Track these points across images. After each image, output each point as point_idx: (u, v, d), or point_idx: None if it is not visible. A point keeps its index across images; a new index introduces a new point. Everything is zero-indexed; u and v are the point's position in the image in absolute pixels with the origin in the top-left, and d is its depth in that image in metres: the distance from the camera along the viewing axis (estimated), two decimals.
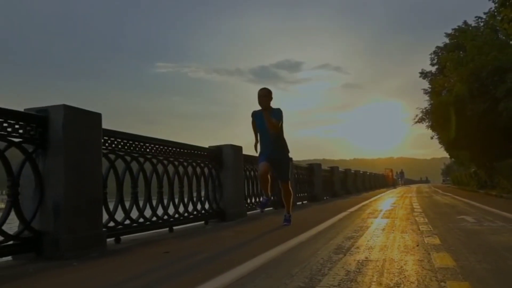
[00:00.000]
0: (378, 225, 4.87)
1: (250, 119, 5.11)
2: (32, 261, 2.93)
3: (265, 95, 4.82)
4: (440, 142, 21.69)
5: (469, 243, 3.39)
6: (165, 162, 4.68)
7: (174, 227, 4.72)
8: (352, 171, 19.69)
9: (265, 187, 5.08)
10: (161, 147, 4.61)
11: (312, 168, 11.95)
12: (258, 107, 4.99)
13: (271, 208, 8.24)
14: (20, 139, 2.91)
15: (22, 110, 3.06)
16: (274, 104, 4.95)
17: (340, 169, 16.26)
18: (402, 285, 2.04)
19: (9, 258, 2.96)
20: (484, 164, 17.03)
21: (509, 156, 13.91)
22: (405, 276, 2.23)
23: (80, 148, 3.18)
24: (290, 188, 5.24)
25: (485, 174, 17.45)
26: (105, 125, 3.56)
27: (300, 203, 10.31)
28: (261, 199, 5.18)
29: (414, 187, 31.30)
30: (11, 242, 2.81)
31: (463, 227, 4.48)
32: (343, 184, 16.66)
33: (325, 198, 12.63)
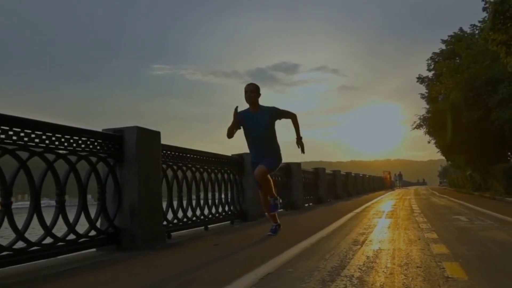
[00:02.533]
0: (383, 224, 5.63)
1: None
2: (112, 252, 3.67)
3: (252, 90, 4.52)
4: (437, 147, 22.47)
5: (461, 237, 4.17)
6: (201, 170, 5.43)
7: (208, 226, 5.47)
8: (353, 174, 20.50)
9: (268, 186, 4.56)
10: (198, 156, 5.36)
11: (318, 172, 12.75)
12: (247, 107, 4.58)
13: (282, 210, 8.99)
14: (105, 155, 3.65)
15: (100, 130, 3.81)
16: (270, 105, 4.64)
17: (341, 173, 17.06)
18: (409, 264, 2.81)
19: (93, 250, 3.68)
20: (478, 168, 17.81)
21: (502, 161, 14.74)
22: (412, 259, 2.99)
23: (147, 160, 3.94)
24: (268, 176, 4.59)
25: (480, 177, 18.25)
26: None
27: (307, 205, 11.08)
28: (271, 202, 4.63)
29: (411, 189, 32.08)
30: (101, 236, 3.56)
31: (457, 225, 5.25)
32: (345, 187, 17.45)
33: (328, 200, 13.40)
